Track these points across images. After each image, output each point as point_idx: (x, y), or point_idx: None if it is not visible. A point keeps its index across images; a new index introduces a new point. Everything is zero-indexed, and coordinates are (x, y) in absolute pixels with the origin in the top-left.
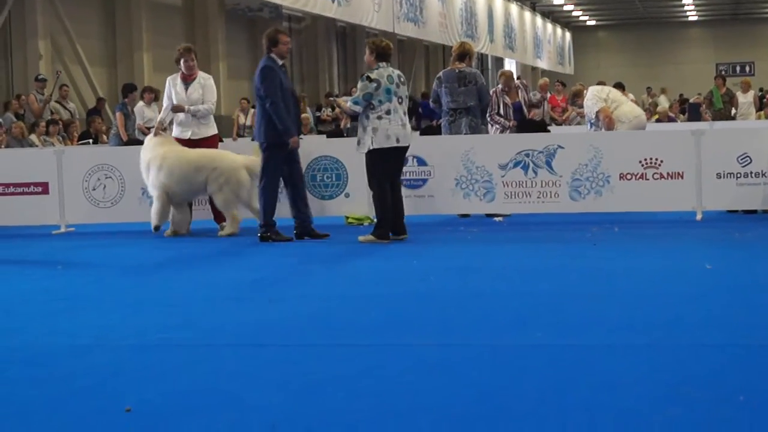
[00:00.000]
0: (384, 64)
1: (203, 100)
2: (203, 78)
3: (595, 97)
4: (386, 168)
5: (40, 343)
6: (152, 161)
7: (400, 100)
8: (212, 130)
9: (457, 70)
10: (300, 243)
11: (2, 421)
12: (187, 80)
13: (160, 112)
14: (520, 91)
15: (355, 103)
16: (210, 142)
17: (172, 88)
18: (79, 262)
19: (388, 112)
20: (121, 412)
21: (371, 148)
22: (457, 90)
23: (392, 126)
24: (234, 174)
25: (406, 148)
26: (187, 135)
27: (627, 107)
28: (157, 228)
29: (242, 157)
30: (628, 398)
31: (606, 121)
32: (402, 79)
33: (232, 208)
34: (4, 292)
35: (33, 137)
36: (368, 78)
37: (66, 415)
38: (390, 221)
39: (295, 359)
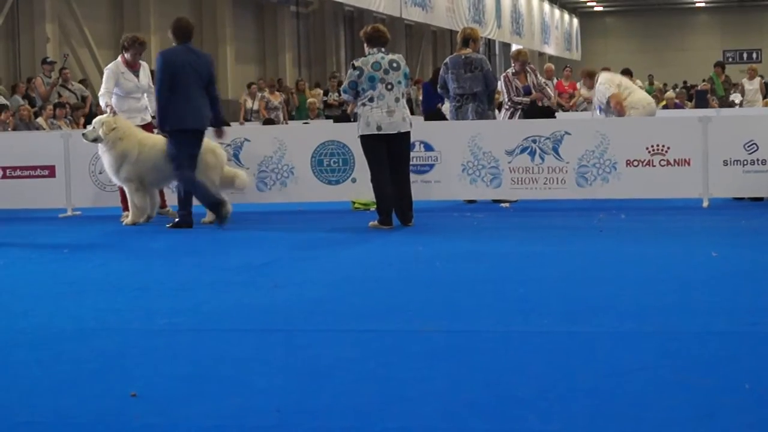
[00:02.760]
0: (375, 50)
1: (149, 86)
2: (144, 66)
3: (607, 82)
4: (377, 155)
5: (45, 326)
6: (121, 155)
7: (389, 86)
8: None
9: (463, 56)
10: (306, 228)
11: (8, 404)
12: (134, 68)
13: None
14: (529, 75)
15: (343, 91)
16: (149, 128)
17: (120, 76)
18: (86, 245)
19: (371, 99)
20: (127, 397)
21: (358, 134)
22: (463, 76)
23: (373, 113)
24: (202, 158)
25: (395, 136)
26: (137, 122)
27: (639, 94)
28: (150, 218)
29: (209, 140)
30: (634, 384)
31: (617, 107)
32: (395, 65)
33: None
34: (11, 274)
35: (40, 120)
36: (353, 66)
37: (71, 399)
38: (387, 208)
39: (300, 344)
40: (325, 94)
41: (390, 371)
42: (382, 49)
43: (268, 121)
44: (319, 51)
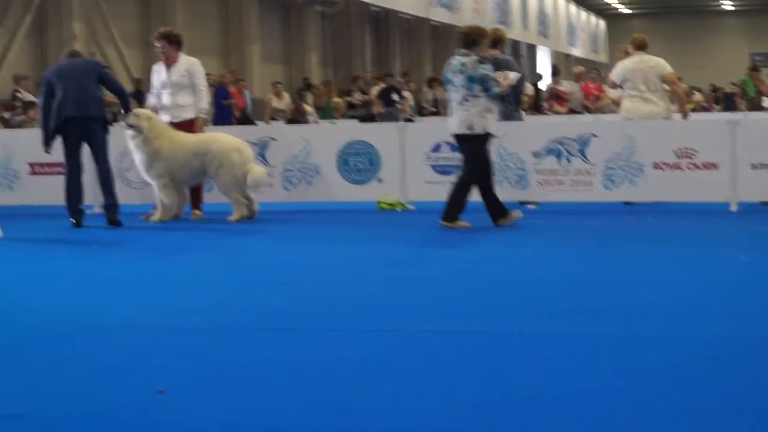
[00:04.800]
0: (462, 51)
1: (189, 83)
2: (189, 62)
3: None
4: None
5: (71, 322)
6: (153, 152)
7: (455, 88)
8: (190, 114)
9: (491, 57)
10: (331, 228)
11: (33, 400)
12: (168, 64)
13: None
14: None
15: None
16: (187, 127)
17: (156, 74)
18: (112, 242)
19: (450, 101)
20: (153, 393)
21: None
22: None
23: (449, 115)
24: (227, 156)
25: (458, 137)
26: (167, 119)
27: None
28: (177, 217)
29: (234, 138)
30: (644, 388)
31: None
32: (461, 67)
33: (232, 191)
34: (37, 270)
35: None
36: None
37: (97, 395)
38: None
39: (322, 343)
40: (349, 94)
41: (402, 370)
42: (462, 51)
43: (293, 121)
44: (345, 51)
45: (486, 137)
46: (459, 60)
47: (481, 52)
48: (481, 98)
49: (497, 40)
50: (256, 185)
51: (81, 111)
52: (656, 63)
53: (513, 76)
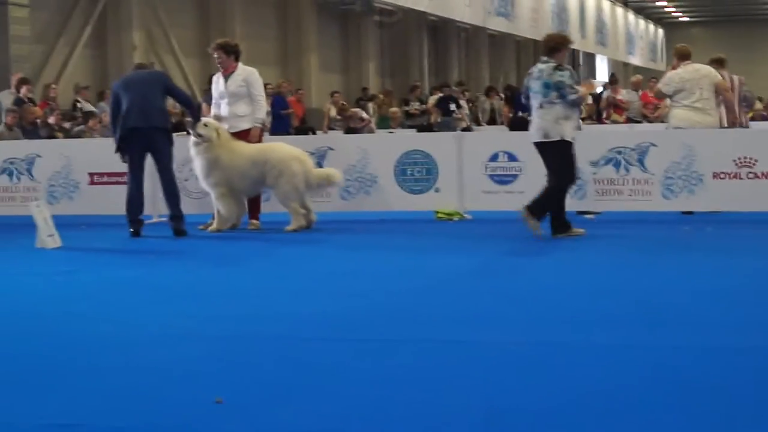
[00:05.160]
0: (543, 58)
1: (246, 93)
2: (246, 71)
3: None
4: None
5: (131, 331)
6: (212, 160)
7: (533, 95)
8: (248, 124)
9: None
10: (389, 237)
11: (94, 409)
12: (225, 74)
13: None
14: None
15: None
16: (245, 137)
17: (215, 83)
18: (171, 251)
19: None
20: (210, 403)
21: None
22: None
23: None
24: (286, 166)
25: (536, 144)
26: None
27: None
28: (234, 227)
29: (293, 148)
30: (727, 401)
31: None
32: (538, 74)
33: (291, 201)
34: (98, 280)
35: None
36: None
37: (158, 404)
38: (554, 214)
39: (383, 353)
40: (406, 103)
41: (469, 383)
42: (543, 58)
43: (351, 130)
44: (402, 60)
45: (563, 144)
46: (539, 67)
47: (560, 60)
48: (558, 105)
49: (553, 47)
50: (339, 184)
51: (145, 122)
52: (708, 72)
53: (594, 84)
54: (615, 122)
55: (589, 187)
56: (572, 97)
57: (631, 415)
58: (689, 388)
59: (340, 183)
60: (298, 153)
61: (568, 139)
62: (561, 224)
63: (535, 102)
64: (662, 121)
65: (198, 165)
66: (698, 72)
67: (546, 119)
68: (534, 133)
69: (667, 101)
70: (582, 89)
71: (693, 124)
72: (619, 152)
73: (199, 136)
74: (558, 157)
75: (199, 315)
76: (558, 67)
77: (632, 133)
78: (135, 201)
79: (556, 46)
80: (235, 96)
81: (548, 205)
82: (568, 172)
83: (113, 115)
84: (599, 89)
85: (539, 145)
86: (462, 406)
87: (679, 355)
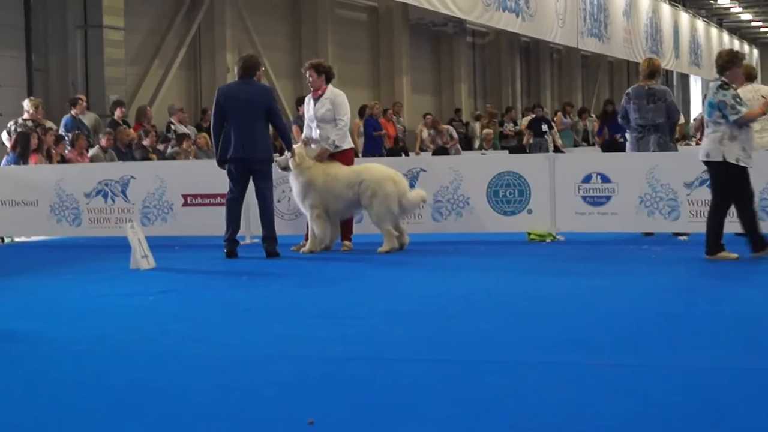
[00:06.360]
0: (716, 76)
1: (333, 117)
2: (333, 94)
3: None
4: None
5: (224, 351)
6: (307, 182)
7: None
8: (344, 144)
9: (646, 87)
10: (482, 259)
11: (186, 426)
12: (315, 96)
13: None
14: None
15: None
16: (342, 157)
17: (306, 105)
18: (264, 273)
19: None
20: (303, 424)
21: None
22: (645, 107)
23: None
24: (380, 186)
25: (704, 163)
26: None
27: None
28: (327, 248)
29: (388, 169)
30: None
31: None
32: (707, 92)
33: (384, 222)
34: (191, 301)
35: None
36: None
37: (249, 424)
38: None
39: (474, 375)
40: (501, 125)
41: (565, 404)
42: (716, 76)
43: (440, 151)
44: (495, 82)
45: (725, 165)
46: (708, 85)
47: (733, 78)
48: (723, 125)
49: (654, 71)
50: (414, 205)
51: (247, 153)
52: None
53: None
54: None
55: (683, 208)
56: (733, 117)
57: None
58: None
59: (425, 200)
60: (393, 174)
61: (731, 161)
62: (711, 245)
63: (706, 121)
64: None
65: (294, 187)
66: (758, 92)
67: (710, 138)
68: (700, 151)
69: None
70: (752, 110)
71: (759, 146)
72: None
73: (283, 169)
74: (717, 177)
75: (290, 335)
76: (723, 86)
77: None
78: (232, 222)
79: (724, 64)
80: (324, 120)
81: (717, 228)
82: (722, 193)
83: (216, 124)
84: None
85: (706, 164)
86: (552, 428)
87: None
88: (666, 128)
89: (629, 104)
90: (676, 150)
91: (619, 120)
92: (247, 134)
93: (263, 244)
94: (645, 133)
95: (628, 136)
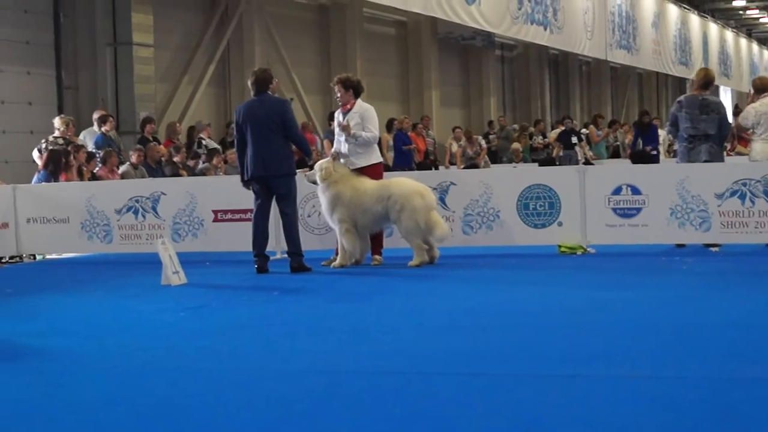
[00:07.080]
0: None
1: (362, 129)
2: (362, 108)
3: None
4: None
5: (256, 367)
6: (335, 197)
7: None
8: (372, 158)
9: (700, 97)
10: (513, 272)
11: None
12: (344, 111)
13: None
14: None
15: None
16: (371, 171)
17: (336, 120)
18: (295, 288)
19: None
20: None
21: None
22: (698, 117)
23: None
24: (408, 201)
25: None
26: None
27: None
28: (358, 263)
29: (416, 183)
30: None
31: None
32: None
33: (414, 236)
34: (222, 316)
35: None
36: None
37: None
38: None
39: (505, 389)
40: (530, 138)
41: (597, 417)
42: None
43: (471, 165)
44: (524, 95)
45: None
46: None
47: None
48: None
49: (709, 82)
50: (441, 239)
51: (268, 171)
52: None
53: None
54: (740, 154)
55: (713, 219)
56: None
57: None
58: None
59: (446, 237)
60: (421, 188)
61: None
62: None
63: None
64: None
65: (322, 202)
66: None
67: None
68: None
69: None
70: None
71: None
72: (744, 184)
73: (311, 182)
74: None
75: (322, 350)
76: None
77: (757, 165)
78: (260, 237)
79: None
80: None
81: None
82: None
83: (238, 145)
84: None
85: None
86: None
87: None
88: (717, 139)
89: (680, 112)
90: (724, 161)
91: (667, 127)
92: (265, 152)
93: (288, 259)
94: (696, 143)
95: (677, 145)
